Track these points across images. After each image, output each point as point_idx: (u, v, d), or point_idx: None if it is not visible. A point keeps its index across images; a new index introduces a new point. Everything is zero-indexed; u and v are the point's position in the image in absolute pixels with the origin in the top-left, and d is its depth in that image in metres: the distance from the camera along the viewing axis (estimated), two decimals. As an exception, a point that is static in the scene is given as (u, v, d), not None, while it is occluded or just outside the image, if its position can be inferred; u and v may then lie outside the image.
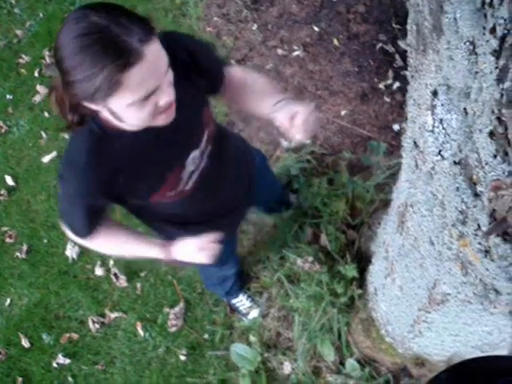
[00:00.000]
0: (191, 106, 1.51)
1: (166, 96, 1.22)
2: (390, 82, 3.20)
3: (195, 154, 1.57)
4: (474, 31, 0.75)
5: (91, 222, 1.55)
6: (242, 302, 2.83)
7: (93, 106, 1.21)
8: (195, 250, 1.66)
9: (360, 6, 3.49)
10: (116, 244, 1.72)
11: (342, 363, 2.50)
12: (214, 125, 1.68)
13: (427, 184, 1.11)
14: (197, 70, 1.50)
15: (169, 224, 1.88)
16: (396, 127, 3.06)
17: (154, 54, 1.14)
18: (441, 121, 0.95)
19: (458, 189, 0.94)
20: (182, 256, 1.69)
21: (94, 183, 1.39)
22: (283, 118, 1.49)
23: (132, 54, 1.09)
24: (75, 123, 1.29)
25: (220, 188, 1.82)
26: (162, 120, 1.30)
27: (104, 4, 1.17)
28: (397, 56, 3.26)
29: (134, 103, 1.17)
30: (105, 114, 1.25)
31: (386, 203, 2.53)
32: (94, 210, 1.52)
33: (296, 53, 3.48)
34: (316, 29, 3.52)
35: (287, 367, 2.61)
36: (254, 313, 2.80)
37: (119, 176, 1.40)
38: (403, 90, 3.10)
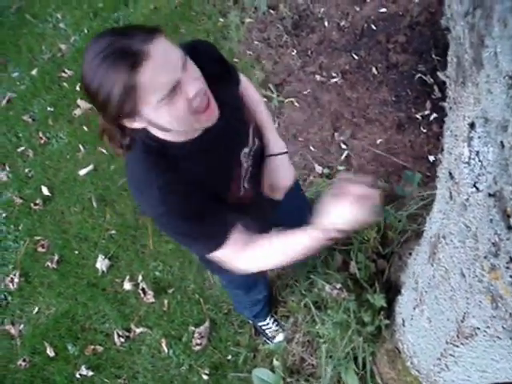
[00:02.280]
0: (231, 103, 1.51)
1: (193, 88, 1.21)
2: (427, 112, 3.19)
3: (245, 151, 1.59)
4: (513, 66, 0.76)
5: (220, 224, 1.44)
6: (268, 325, 2.82)
7: (133, 123, 1.23)
8: (351, 207, 1.33)
9: (400, 36, 3.50)
10: (263, 246, 1.49)
11: (366, 393, 2.47)
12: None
13: (461, 215, 1.11)
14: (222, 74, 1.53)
15: None
16: (431, 158, 3.04)
17: (161, 50, 1.15)
18: (477, 153, 0.95)
19: (491, 221, 0.94)
20: (341, 223, 1.35)
21: (188, 187, 1.37)
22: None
23: (136, 54, 1.10)
24: (127, 147, 1.31)
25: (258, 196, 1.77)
26: (206, 119, 1.30)
27: (116, 27, 1.22)
28: (435, 87, 3.25)
29: (161, 102, 1.17)
30: (150, 128, 1.28)
31: (418, 234, 2.51)
32: (212, 213, 1.43)
33: (334, 80, 3.50)
34: (355, 57, 3.55)
35: (309, 394, 2.58)
36: (280, 337, 2.79)
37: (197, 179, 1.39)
38: (440, 122, 3.09)
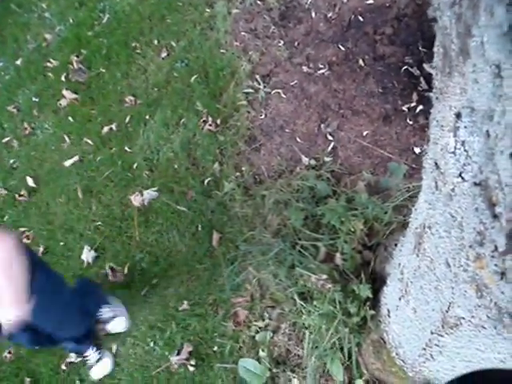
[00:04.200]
0: None
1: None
2: (413, 104, 3.20)
3: None
4: (499, 55, 0.76)
5: None
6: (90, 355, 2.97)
7: None
8: None
9: (387, 28, 3.50)
10: None
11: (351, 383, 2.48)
12: None
13: (446, 205, 1.11)
14: None
15: None
16: (417, 150, 3.05)
17: None
18: (463, 143, 0.95)
19: (477, 209, 0.94)
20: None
21: None
22: None
23: None
24: None
25: None
26: None
27: None
28: (421, 79, 3.26)
29: None
30: None
31: (404, 225, 2.53)
32: None
33: (321, 71, 3.50)
34: (342, 48, 3.55)
35: (295, 384, 2.60)
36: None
37: None
38: (426, 113, 3.10)
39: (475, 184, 0.93)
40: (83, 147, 3.94)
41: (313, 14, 3.78)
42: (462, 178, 0.98)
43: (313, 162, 3.14)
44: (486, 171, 0.88)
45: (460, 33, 0.86)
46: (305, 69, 3.55)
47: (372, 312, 2.37)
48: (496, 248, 0.95)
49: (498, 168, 0.83)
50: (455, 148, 0.98)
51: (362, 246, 2.74)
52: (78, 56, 4.47)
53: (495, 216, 0.90)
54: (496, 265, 0.99)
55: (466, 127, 0.93)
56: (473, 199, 0.95)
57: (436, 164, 1.14)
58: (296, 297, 2.64)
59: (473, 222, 0.98)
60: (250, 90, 3.58)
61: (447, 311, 1.40)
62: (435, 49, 1.04)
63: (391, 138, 3.14)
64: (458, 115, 0.95)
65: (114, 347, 3.03)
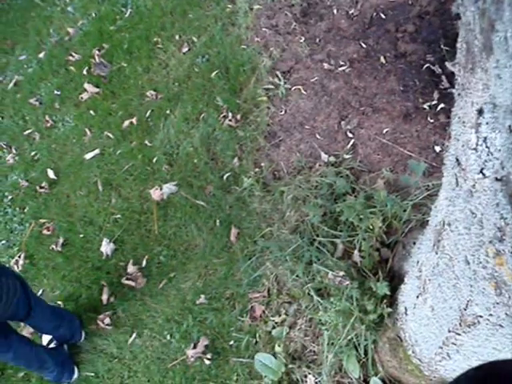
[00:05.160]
0: None
1: None
2: (434, 102, 3.18)
3: None
4: (524, 50, 0.75)
5: None
6: None
7: None
8: None
9: (409, 26, 3.48)
10: None
11: (367, 381, 2.47)
12: None
13: (467, 202, 1.11)
14: None
15: None
16: (438, 148, 3.03)
17: None
18: (485, 139, 0.95)
19: (497, 205, 0.94)
20: None
21: None
22: None
23: None
24: None
25: None
26: None
27: None
28: (443, 77, 3.23)
29: None
30: None
31: (422, 223, 2.52)
32: None
33: (342, 68, 3.49)
34: (363, 45, 3.53)
35: (311, 380, 2.59)
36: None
37: None
38: (447, 112, 3.07)
39: (496, 179, 0.93)
40: (104, 141, 3.98)
41: (334, 11, 3.77)
42: (483, 174, 0.98)
43: (332, 159, 3.14)
44: (507, 166, 0.88)
45: (483, 28, 0.86)
46: (325, 65, 3.54)
47: (389, 310, 2.36)
48: (516, 244, 0.95)
49: (520, 163, 0.83)
50: (477, 144, 0.98)
51: (380, 243, 2.73)
52: (99, 50, 4.51)
53: (516, 211, 0.90)
54: (516, 262, 0.99)
55: (487, 123, 0.93)
56: (494, 195, 0.95)
57: (457, 160, 1.14)
58: (313, 293, 2.64)
59: (493, 218, 0.98)
60: (271, 86, 3.58)
61: (465, 309, 1.40)
62: (458, 45, 1.04)
63: (411, 136, 3.12)
64: (480, 111, 0.95)
65: (131, 339, 3.06)
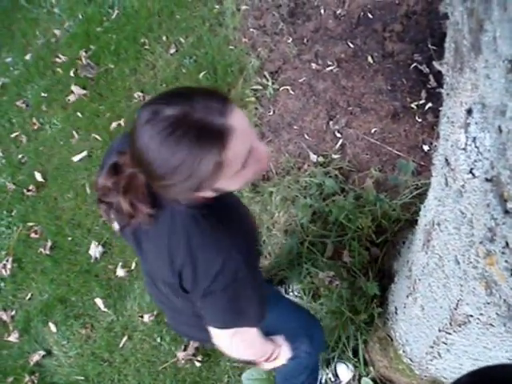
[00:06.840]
0: None
1: (263, 146, 1.18)
2: (422, 102, 3.19)
3: None
4: (513, 50, 0.75)
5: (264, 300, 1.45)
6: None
7: (197, 194, 1.16)
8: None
9: (396, 25, 3.49)
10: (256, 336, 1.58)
11: (358, 381, 2.48)
12: None
13: (456, 202, 1.11)
14: None
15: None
16: (426, 148, 3.04)
17: (239, 119, 1.06)
18: (474, 139, 0.95)
19: (488, 205, 0.94)
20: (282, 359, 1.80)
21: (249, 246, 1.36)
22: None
23: (222, 132, 1.02)
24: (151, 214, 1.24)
25: None
26: (262, 170, 1.36)
27: (165, 93, 1.10)
28: (431, 76, 3.24)
29: (239, 171, 1.11)
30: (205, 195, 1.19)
31: (412, 222, 2.52)
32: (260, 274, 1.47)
33: (330, 68, 3.49)
34: (351, 45, 3.53)
35: (302, 381, 2.59)
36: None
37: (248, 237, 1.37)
38: (435, 111, 3.09)
39: (486, 180, 0.93)
40: (91, 143, 3.95)
41: (322, 11, 3.77)
42: (473, 175, 0.98)
43: (321, 159, 3.13)
44: (497, 167, 0.88)
45: (472, 28, 0.86)
46: (313, 66, 3.54)
47: (379, 309, 2.37)
48: (507, 244, 0.95)
49: (510, 163, 0.83)
50: (466, 144, 0.98)
51: (369, 243, 2.74)
52: (86, 52, 4.48)
53: (507, 212, 0.90)
54: (506, 261, 0.99)
55: (476, 123, 0.93)
56: (484, 195, 0.95)
57: (446, 160, 1.14)
58: (303, 294, 2.64)
59: (483, 218, 0.98)
60: (259, 87, 3.58)
61: (455, 309, 1.40)
62: (446, 45, 1.03)
63: (400, 136, 3.13)
64: (469, 111, 0.95)
65: (122, 342, 3.04)
